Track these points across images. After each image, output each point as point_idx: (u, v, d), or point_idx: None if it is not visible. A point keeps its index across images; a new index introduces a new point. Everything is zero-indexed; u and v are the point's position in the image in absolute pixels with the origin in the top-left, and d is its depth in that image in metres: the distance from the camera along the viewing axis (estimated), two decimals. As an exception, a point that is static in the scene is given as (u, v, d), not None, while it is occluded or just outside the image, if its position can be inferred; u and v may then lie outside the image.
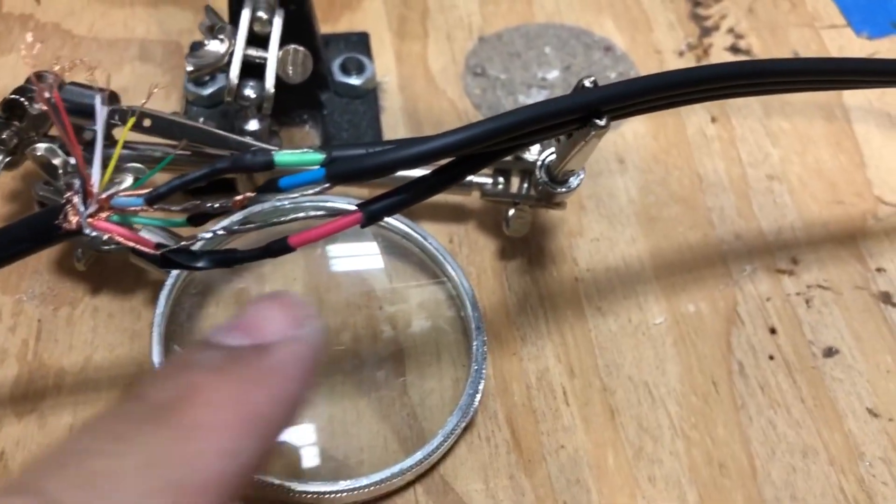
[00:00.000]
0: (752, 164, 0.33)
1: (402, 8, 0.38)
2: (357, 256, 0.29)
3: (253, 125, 0.28)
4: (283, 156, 0.19)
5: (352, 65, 0.33)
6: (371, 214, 0.20)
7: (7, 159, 0.28)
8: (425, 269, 0.29)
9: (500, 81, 0.35)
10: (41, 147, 0.27)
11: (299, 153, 0.19)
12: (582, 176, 0.26)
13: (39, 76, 0.28)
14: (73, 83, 0.28)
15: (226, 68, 0.27)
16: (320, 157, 0.19)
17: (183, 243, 0.20)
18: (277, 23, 0.28)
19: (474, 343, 0.26)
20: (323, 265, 0.29)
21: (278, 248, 0.20)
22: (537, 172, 0.27)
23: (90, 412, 0.26)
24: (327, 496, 0.23)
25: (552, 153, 0.27)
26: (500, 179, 0.29)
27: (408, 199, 0.20)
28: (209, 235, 0.20)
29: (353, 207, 0.20)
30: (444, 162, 0.21)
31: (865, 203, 0.32)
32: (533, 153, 0.28)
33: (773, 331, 0.29)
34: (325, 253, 0.29)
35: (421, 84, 0.35)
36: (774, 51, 0.37)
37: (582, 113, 0.20)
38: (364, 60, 0.33)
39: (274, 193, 0.19)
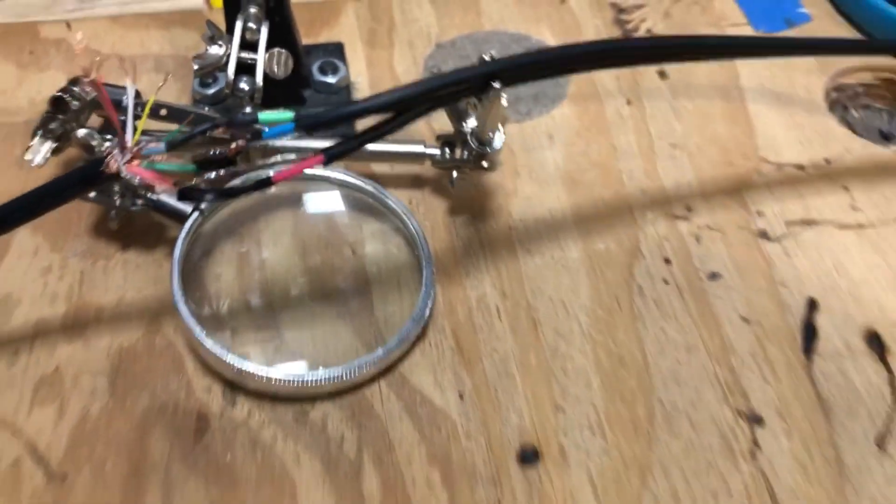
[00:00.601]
0: (659, 136, 0.41)
1: (372, 23, 0.46)
2: (333, 213, 0.36)
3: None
4: (264, 114, 0.26)
5: (328, 67, 0.41)
6: (330, 155, 0.27)
7: (55, 146, 0.35)
8: (388, 221, 0.36)
9: (452, 78, 0.43)
10: (82, 132, 0.34)
11: (276, 112, 0.26)
12: (502, 137, 0.34)
13: (76, 79, 0.35)
14: (105, 84, 0.35)
15: (224, 68, 0.35)
16: (291, 114, 0.26)
17: (195, 182, 0.28)
18: (264, 31, 0.35)
19: (424, 272, 0.33)
20: (306, 221, 0.36)
21: (265, 182, 0.27)
22: (469, 140, 0.34)
23: (124, 337, 0.33)
24: (309, 383, 0.30)
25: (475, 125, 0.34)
26: (447, 150, 0.37)
27: (355, 144, 0.27)
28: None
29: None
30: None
31: (751, 163, 0.40)
32: (468, 126, 0.36)
33: (667, 261, 0.36)
34: (308, 211, 0.36)
35: (387, 83, 0.43)
36: (683, 46, 0.45)
37: (483, 80, 0.28)
38: (339, 64, 0.41)
39: (259, 140, 0.26)
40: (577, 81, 0.43)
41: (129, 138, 0.27)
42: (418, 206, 0.38)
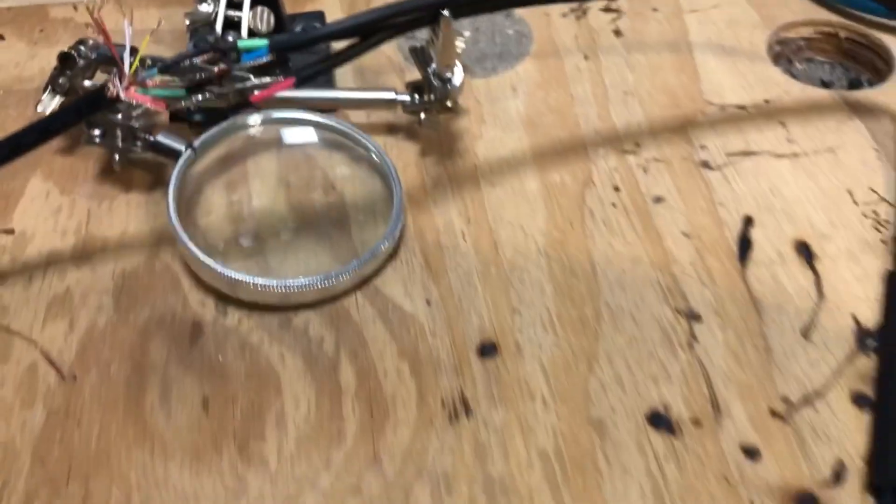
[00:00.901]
0: (613, 85, 0.44)
1: (353, -3, 0.50)
2: (314, 153, 0.40)
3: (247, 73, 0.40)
4: (243, 41, 0.30)
5: (309, 27, 0.45)
6: (301, 77, 0.31)
7: (63, 99, 0.39)
8: (364, 158, 0.40)
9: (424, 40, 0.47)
10: (87, 83, 0.38)
11: (251, 40, 0.30)
12: (461, 74, 0.38)
13: (83, 39, 0.40)
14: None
15: (213, 24, 0.39)
16: (265, 41, 0.30)
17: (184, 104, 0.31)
18: (249, -8, 0.40)
19: (395, 197, 0.37)
20: (289, 160, 0.40)
21: (245, 103, 0.31)
22: (432, 79, 0.38)
23: (126, 262, 0.37)
24: (291, 288, 0.34)
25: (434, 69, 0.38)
26: (416, 96, 0.41)
27: (323, 67, 0.31)
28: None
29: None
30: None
31: (697, 105, 0.43)
32: (431, 69, 0.40)
33: (616, 189, 0.39)
34: (290, 152, 0.40)
35: (366, 48, 0.47)
36: (639, 7, 0.49)
37: (433, 9, 0.32)
38: (318, 25, 0.45)
39: (239, 65, 0.30)
40: (538, 41, 0.47)
41: (127, 68, 0.31)
42: (392, 149, 0.41)
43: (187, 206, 0.38)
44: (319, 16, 0.47)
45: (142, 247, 0.38)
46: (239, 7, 0.40)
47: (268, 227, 0.38)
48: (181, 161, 0.37)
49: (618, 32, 0.47)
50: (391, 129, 0.42)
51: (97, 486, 0.30)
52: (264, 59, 0.30)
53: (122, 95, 0.31)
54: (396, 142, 0.42)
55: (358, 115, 0.43)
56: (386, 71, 0.46)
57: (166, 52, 0.46)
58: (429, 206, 0.39)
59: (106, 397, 0.32)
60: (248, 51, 0.30)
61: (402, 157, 0.41)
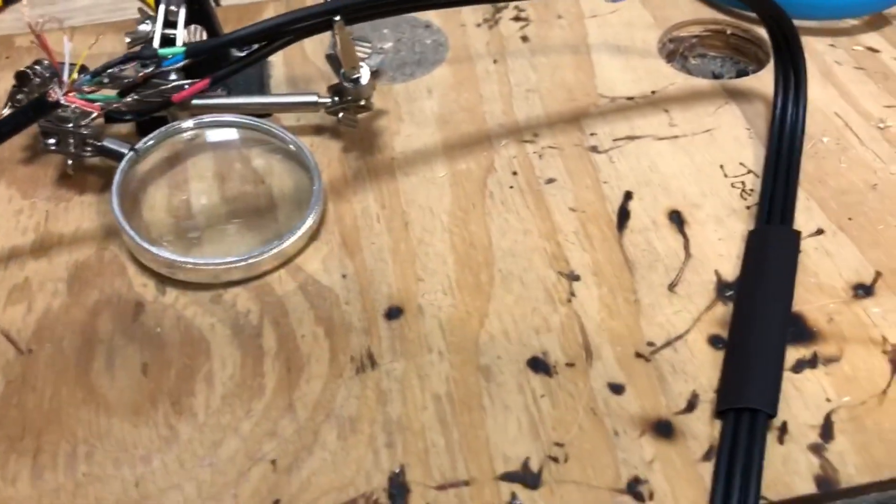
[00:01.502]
0: (517, 84, 0.50)
1: (288, 17, 0.55)
2: (245, 153, 0.45)
3: (171, 78, 0.45)
4: (162, 50, 0.35)
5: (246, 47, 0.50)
6: (215, 77, 0.36)
7: (21, 114, 0.44)
8: (289, 156, 0.45)
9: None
10: (41, 98, 0.43)
11: (171, 48, 0.35)
12: (367, 74, 0.43)
13: (38, 60, 0.45)
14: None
15: (151, 41, 0.44)
16: (183, 48, 0.35)
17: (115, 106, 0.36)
18: (182, 12, 0.45)
19: (314, 185, 0.42)
20: (223, 160, 0.45)
21: (168, 103, 0.36)
22: (344, 83, 0.43)
23: (79, 254, 0.42)
24: (220, 265, 0.39)
25: (354, 77, 0.43)
26: (336, 98, 0.46)
27: (236, 67, 0.36)
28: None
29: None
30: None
31: (590, 98, 0.48)
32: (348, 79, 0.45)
33: (514, 173, 0.44)
34: (224, 152, 0.45)
35: (298, 61, 0.52)
36: (545, 16, 0.54)
37: (326, 15, 0.37)
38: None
39: (162, 69, 0.35)
40: (454, 49, 0.52)
41: (66, 76, 0.36)
42: (318, 147, 0.46)
43: (133, 203, 0.43)
44: (255, 33, 0.52)
45: (93, 240, 0.42)
46: (175, 26, 0.45)
47: (205, 218, 0.43)
48: (124, 161, 0.42)
49: (525, 38, 0.53)
50: (318, 130, 0.47)
51: (48, 441, 0.34)
52: (181, 63, 0.35)
53: (62, 99, 0.36)
54: (322, 140, 0.47)
55: (289, 119, 0.48)
56: (315, 80, 0.51)
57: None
58: (349, 195, 0.44)
59: (58, 366, 0.37)
60: (168, 57, 0.35)
61: (327, 153, 0.46)
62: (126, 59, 0.35)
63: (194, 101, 0.45)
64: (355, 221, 0.42)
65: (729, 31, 0.53)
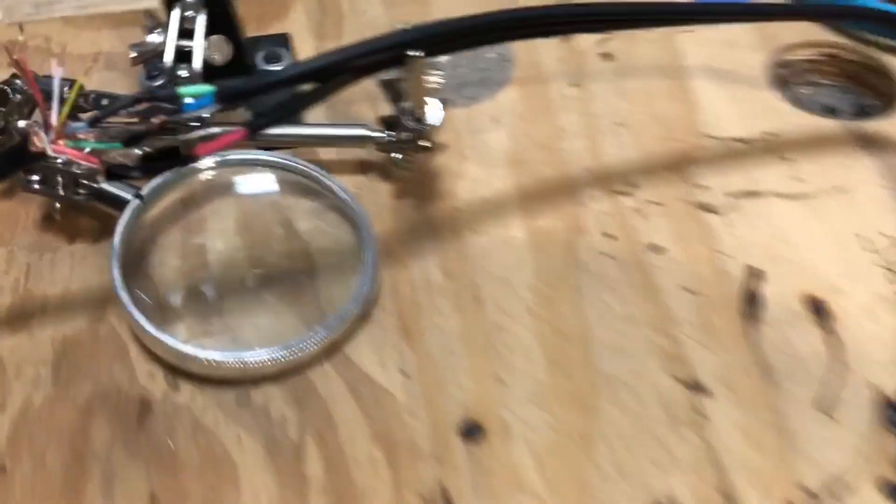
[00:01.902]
0: (603, 115, 0.41)
1: (321, 15, 0.46)
2: (277, 198, 0.36)
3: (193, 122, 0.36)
4: (184, 87, 0.26)
5: (272, 56, 0.41)
6: (254, 127, 0.27)
7: (-3, 138, 0.35)
8: (332, 204, 0.36)
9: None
10: (22, 123, 0.34)
11: (195, 86, 0.27)
12: (438, 113, 0.34)
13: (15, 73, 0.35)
14: (44, 76, 0.35)
15: (162, 55, 0.35)
16: (211, 88, 0.27)
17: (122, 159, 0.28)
18: (201, 19, 0.36)
19: (366, 252, 0.33)
20: (250, 206, 0.36)
21: (189, 157, 0.27)
22: (403, 118, 0.34)
23: (68, 326, 0.33)
24: (249, 364, 0.30)
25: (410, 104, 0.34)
26: (389, 132, 0.37)
27: (278, 116, 0.28)
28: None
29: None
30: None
31: (694, 138, 0.40)
32: (404, 105, 0.36)
33: (610, 236, 0.36)
34: (251, 196, 0.36)
35: (335, 73, 0.43)
36: (628, 29, 0.45)
37: (400, 49, 0.28)
38: (282, 52, 0.41)
39: (180, 116, 0.27)
40: (522, 66, 0.43)
41: (55, 118, 0.27)
42: (364, 190, 0.38)
43: (138, 257, 0.34)
44: (283, 38, 0.43)
45: (86, 307, 0.34)
46: (191, 36, 0.36)
47: (225, 282, 0.34)
48: (128, 213, 0.34)
49: (606, 55, 0.44)
50: (363, 167, 0.39)
51: None
52: (211, 109, 0.26)
53: (49, 150, 0.27)
54: (369, 181, 0.38)
55: (328, 153, 0.39)
56: (358, 100, 0.42)
57: (120, 80, 0.42)
58: (404, 256, 0.35)
59: (39, 491, 0.29)
60: (191, 100, 0.26)
61: (376, 199, 0.37)
62: (135, 101, 0.26)
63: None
64: (414, 295, 0.34)
65: (847, 58, 0.45)
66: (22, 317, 0.33)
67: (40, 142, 0.27)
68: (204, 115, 0.27)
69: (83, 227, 0.36)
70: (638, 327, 0.33)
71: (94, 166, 0.27)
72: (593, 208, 0.37)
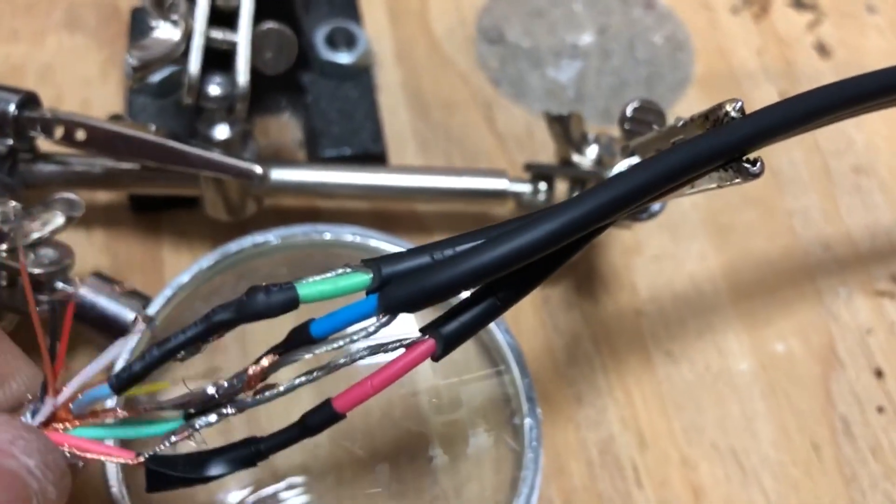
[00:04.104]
0: (835, 153, 0.27)
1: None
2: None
3: (221, 132, 0.21)
4: (310, 287, 0.13)
5: (340, 37, 0.26)
6: (448, 340, 0.13)
7: None
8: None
9: (521, 50, 0.29)
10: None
11: (333, 278, 0.13)
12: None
13: None
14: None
15: (182, 60, 0.20)
16: (366, 278, 0.13)
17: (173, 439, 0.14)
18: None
19: (526, 420, 0.20)
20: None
21: (320, 420, 0.14)
22: (590, 180, 0.21)
23: None
24: None
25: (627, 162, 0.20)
26: (543, 186, 0.23)
27: (495, 306, 0.14)
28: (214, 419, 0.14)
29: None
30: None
31: (973, 199, 0.27)
32: (589, 158, 0.22)
33: (879, 373, 0.23)
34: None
35: (423, 52, 0.29)
36: (844, 5, 0.31)
37: (729, 157, 0.14)
38: (355, 31, 0.26)
39: (307, 347, 0.13)
40: (703, 56, 0.29)
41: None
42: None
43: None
44: (348, 4, 0.28)
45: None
46: (230, 24, 0.21)
47: (302, 469, 0.21)
48: (129, 344, 0.20)
49: (822, 49, 0.30)
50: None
51: None
52: (372, 329, 0.13)
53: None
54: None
55: (426, 204, 0.25)
56: (462, 100, 0.28)
57: (88, 45, 0.27)
58: (568, 402, 0.22)
59: None
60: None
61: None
62: (209, 330, 0.13)
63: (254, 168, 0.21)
64: (592, 480, 0.21)
65: None
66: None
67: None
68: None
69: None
70: (951, 552, 0.21)
71: (129, 459, 0.14)
72: (844, 318, 0.24)
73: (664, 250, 0.25)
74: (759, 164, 0.14)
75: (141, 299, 0.20)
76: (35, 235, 0.19)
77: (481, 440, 0.20)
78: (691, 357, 0.23)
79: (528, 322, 0.24)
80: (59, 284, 0.20)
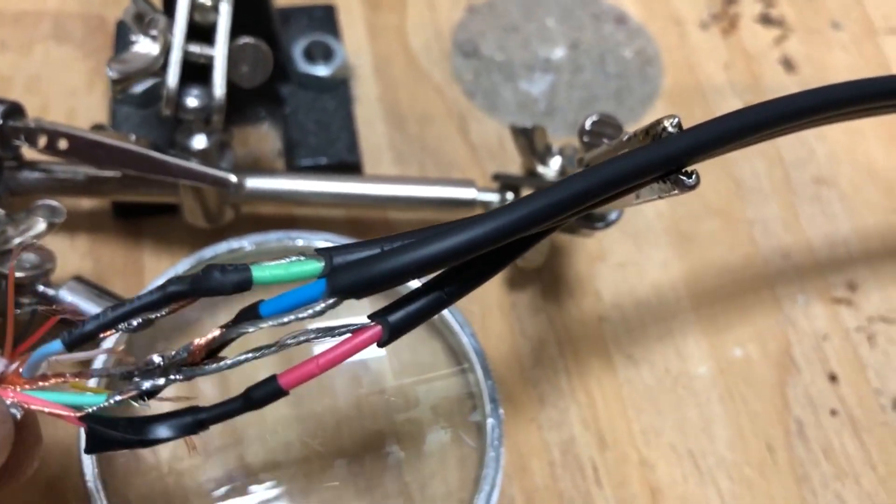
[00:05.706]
0: (796, 165, 0.28)
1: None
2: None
3: (199, 142, 0.22)
4: (263, 270, 0.14)
5: (318, 50, 0.27)
6: (394, 328, 0.14)
7: None
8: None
9: (495, 63, 0.30)
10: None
11: (286, 264, 0.14)
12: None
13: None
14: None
15: (161, 73, 0.21)
16: (318, 265, 0.14)
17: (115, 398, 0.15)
18: (225, 9, 0.22)
19: (488, 420, 0.21)
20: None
21: (263, 394, 0.14)
22: (542, 173, 0.22)
23: None
24: None
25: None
26: (510, 196, 0.24)
27: (441, 299, 0.15)
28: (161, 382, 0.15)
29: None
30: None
31: (929, 210, 0.28)
32: (552, 169, 0.23)
33: (832, 378, 0.24)
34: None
35: (400, 66, 0.29)
36: (811, 20, 0.32)
37: (664, 169, 0.15)
38: (332, 44, 0.27)
39: (254, 322, 0.14)
40: (672, 70, 0.30)
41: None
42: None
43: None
44: (327, 14, 0.28)
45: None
46: (207, 38, 0.22)
47: (272, 465, 0.22)
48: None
49: (788, 64, 0.31)
50: (456, 235, 0.26)
51: None
52: (318, 306, 0.13)
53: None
54: (466, 262, 0.25)
55: (400, 212, 0.26)
56: (437, 113, 0.28)
57: (75, 55, 0.28)
58: (531, 403, 0.23)
59: None
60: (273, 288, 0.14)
61: (478, 294, 0.25)
62: (161, 301, 0.14)
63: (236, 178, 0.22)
64: (553, 479, 0.22)
65: None
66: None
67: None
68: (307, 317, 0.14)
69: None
70: (897, 549, 0.22)
71: (70, 418, 0.15)
72: (801, 324, 0.25)
73: (628, 258, 0.26)
74: (694, 176, 0.15)
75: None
76: (17, 241, 0.20)
77: (439, 436, 0.21)
78: (652, 361, 0.24)
79: (496, 325, 0.24)
80: (41, 288, 0.21)
